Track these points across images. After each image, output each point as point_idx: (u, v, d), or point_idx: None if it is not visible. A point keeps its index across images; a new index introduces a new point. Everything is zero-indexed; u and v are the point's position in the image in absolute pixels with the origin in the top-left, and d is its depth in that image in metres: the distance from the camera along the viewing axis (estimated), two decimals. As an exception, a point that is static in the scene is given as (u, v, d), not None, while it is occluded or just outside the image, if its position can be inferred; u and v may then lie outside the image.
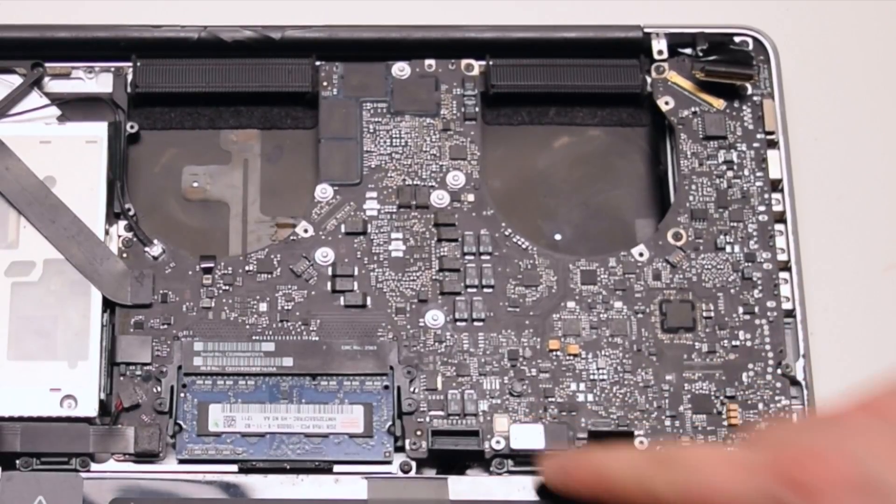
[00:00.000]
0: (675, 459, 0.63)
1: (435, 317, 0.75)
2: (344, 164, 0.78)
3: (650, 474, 0.63)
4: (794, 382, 0.75)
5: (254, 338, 0.75)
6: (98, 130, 0.77)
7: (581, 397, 0.74)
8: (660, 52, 0.80)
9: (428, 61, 0.80)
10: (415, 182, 0.78)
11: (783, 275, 0.77)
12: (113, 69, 0.80)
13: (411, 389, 0.74)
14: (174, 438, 0.73)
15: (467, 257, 0.77)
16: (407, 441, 0.73)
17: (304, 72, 0.79)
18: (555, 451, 0.72)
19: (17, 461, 0.72)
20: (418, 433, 0.73)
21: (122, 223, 0.77)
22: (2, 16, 0.83)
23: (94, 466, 0.72)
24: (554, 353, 0.75)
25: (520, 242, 0.77)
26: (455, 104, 0.80)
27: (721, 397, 0.74)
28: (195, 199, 0.80)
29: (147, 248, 0.76)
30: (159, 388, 0.74)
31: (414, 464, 0.73)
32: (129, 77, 0.79)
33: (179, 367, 0.74)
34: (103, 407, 0.73)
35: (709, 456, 0.62)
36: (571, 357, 0.75)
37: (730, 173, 0.78)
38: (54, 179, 0.76)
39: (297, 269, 0.76)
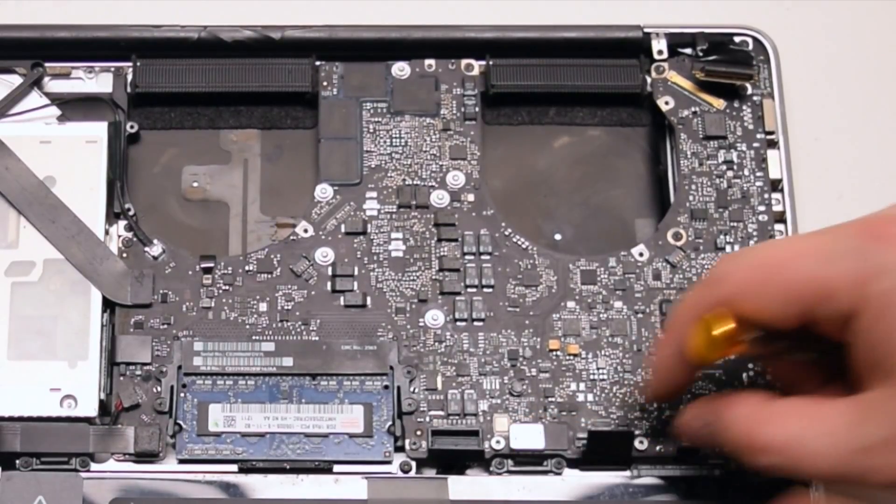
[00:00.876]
0: None
1: (435, 317, 0.75)
2: (344, 164, 0.78)
3: None
4: (794, 382, 0.75)
5: (254, 338, 0.75)
6: (98, 130, 0.77)
7: (581, 397, 0.74)
8: (660, 52, 0.80)
9: (428, 61, 0.80)
10: (415, 182, 0.78)
11: (783, 275, 0.76)
12: (113, 69, 0.80)
13: (411, 389, 0.74)
14: (174, 438, 0.73)
15: (467, 257, 0.77)
16: (407, 441, 0.73)
17: (304, 72, 0.79)
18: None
19: (17, 461, 0.72)
20: (418, 433, 0.73)
21: (122, 223, 0.77)
22: (2, 16, 0.83)
23: (94, 466, 0.72)
24: (554, 353, 0.75)
25: (520, 242, 0.77)
26: (455, 104, 0.80)
27: (721, 397, 0.74)
28: (195, 199, 0.80)
29: (147, 248, 0.76)
30: (159, 388, 0.74)
31: (414, 464, 0.73)
32: (129, 77, 0.79)
33: (179, 367, 0.74)
34: (103, 407, 0.73)
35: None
36: (571, 357, 0.75)
37: (730, 173, 0.78)
38: (54, 179, 0.76)
39: (297, 269, 0.76)
